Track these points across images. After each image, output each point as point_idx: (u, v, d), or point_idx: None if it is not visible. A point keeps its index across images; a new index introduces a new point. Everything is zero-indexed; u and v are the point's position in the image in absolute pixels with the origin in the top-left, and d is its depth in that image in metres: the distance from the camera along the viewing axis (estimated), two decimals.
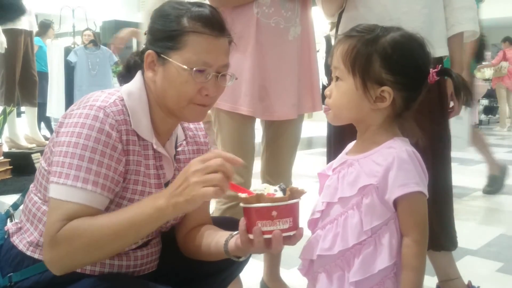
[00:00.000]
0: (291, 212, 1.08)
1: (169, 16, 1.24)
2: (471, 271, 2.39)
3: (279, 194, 1.08)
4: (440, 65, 1.13)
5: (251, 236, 1.10)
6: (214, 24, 1.23)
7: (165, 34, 1.23)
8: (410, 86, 1.11)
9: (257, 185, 1.13)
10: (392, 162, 1.07)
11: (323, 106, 1.18)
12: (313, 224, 1.18)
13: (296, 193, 1.09)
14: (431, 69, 1.12)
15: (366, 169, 1.10)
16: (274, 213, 1.06)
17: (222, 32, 1.25)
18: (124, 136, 1.21)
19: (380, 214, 1.08)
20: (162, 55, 1.23)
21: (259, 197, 1.07)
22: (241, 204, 1.10)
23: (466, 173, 4.65)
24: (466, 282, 2.03)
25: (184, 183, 1.07)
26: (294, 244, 1.12)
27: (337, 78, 1.14)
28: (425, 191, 1.08)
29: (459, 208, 3.61)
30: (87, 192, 1.13)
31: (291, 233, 1.09)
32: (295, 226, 1.09)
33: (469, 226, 3.31)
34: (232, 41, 1.30)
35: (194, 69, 1.21)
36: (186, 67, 1.21)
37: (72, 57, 6.43)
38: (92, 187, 1.14)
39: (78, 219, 1.11)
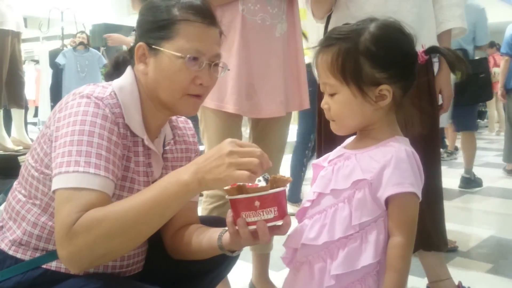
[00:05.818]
0: (275, 201, 1.05)
1: (159, 8, 1.23)
2: (461, 272, 2.40)
3: (262, 183, 1.06)
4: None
5: (237, 228, 1.08)
6: (205, 13, 1.23)
7: (156, 24, 1.22)
8: (405, 75, 1.10)
9: None
10: (389, 160, 1.05)
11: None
12: (301, 213, 1.16)
13: (280, 182, 1.06)
14: (418, 51, 1.11)
15: (363, 164, 1.08)
16: (257, 203, 1.04)
17: (213, 21, 1.24)
18: (121, 129, 1.19)
19: (371, 210, 1.06)
20: (153, 46, 1.21)
21: (240, 188, 1.06)
22: (226, 196, 1.09)
23: (456, 176, 4.67)
24: (456, 283, 2.02)
25: (217, 160, 1.02)
26: (284, 233, 1.10)
27: (331, 94, 1.11)
28: (419, 193, 1.06)
29: (449, 210, 3.62)
30: (100, 177, 1.08)
31: (277, 223, 1.06)
32: (281, 215, 1.06)
33: (459, 227, 3.31)
34: (222, 33, 1.29)
35: (188, 56, 1.19)
36: (179, 54, 1.19)
37: (60, 59, 6.37)
38: (104, 173, 1.09)
39: (95, 209, 1.04)
